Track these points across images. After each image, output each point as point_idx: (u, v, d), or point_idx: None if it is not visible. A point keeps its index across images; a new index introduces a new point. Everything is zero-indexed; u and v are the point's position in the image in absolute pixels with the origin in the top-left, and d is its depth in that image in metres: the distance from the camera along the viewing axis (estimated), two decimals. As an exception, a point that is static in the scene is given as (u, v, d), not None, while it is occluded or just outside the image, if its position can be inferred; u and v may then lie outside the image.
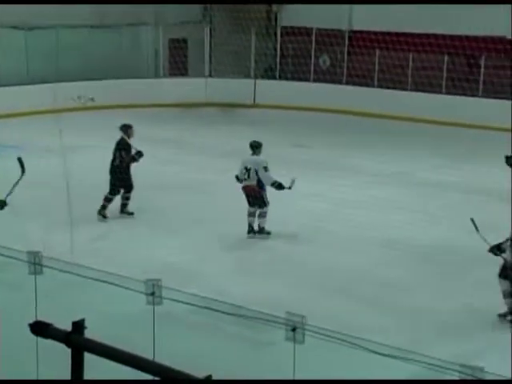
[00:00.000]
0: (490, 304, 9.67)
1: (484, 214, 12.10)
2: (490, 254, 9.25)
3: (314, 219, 13.25)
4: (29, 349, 6.14)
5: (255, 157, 12.33)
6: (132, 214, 13.22)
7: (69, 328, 2.94)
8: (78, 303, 8.66)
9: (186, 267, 10.72)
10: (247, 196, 12.38)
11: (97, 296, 8.60)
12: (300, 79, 24.87)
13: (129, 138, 13.54)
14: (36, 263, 6.67)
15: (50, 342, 3.03)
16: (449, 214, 13.49)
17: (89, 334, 2.97)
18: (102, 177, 13.42)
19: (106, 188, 13.27)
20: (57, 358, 3.61)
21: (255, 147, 12.36)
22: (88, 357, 2.95)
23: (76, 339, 2.89)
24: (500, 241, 9.30)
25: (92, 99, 15.56)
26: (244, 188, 12.38)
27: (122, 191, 13.27)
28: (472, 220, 9.43)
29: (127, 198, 13.29)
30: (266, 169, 12.17)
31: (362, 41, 24.13)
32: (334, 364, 7.69)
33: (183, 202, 14.19)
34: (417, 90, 23.33)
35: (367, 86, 23.95)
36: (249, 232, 12.26)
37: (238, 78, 24.96)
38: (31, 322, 3.04)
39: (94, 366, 3.30)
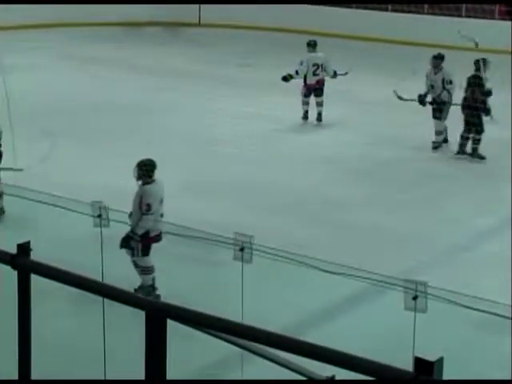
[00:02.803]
0: (434, 218, 9.88)
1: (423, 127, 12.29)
2: (433, 171, 9.84)
3: (259, 139, 13.25)
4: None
5: (320, 53, 14.44)
6: None
7: (14, 251, 2.91)
8: (24, 226, 8.61)
9: (133, 190, 10.67)
10: (315, 89, 14.21)
11: (44, 219, 8.55)
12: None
13: None
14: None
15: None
16: (393, 133, 13.58)
17: (36, 256, 2.95)
18: (44, 97, 13.18)
19: (49, 109, 13.03)
20: (3, 282, 3.59)
21: (314, 45, 14.50)
22: (36, 280, 2.94)
23: (22, 261, 2.86)
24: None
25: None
26: (317, 82, 14.22)
27: None
28: (395, 92, 12.86)
29: None
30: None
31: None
32: (281, 282, 7.82)
33: (124, 122, 14.04)
34: (365, 8, 23.22)
35: (315, 3, 23.67)
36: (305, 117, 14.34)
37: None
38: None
39: (42, 290, 3.30)
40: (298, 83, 14.44)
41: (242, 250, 5.48)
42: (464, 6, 22.10)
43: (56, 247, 7.93)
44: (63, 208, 6.47)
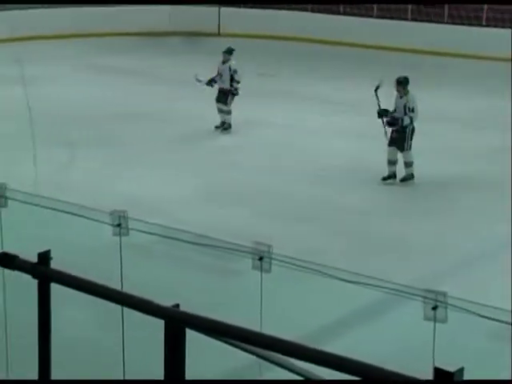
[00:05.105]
0: (452, 227, 9.83)
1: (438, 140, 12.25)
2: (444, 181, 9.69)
3: (276, 148, 13.26)
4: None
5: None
6: None
7: (35, 260, 2.93)
8: (44, 235, 8.63)
9: (151, 198, 10.71)
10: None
11: (63, 228, 8.57)
12: (265, 7, 24.58)
13: None
14: (0, 195, 6.62)
15: (16, 274, 3.03)
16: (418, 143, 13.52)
17: (55, 265, 2.96)
18: (64, 107, 13.27)
19: (71, 118, 13.13)
20: (23, 291, 3.61)
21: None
22: (55, 289, 2.95)
23: (42, 270, 2.88)
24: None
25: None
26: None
27: None
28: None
29: None
30: None
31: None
32: (299, 291, 7.80)
33: (144, 131, 14.11)
34: (383, 17, 23.22)
35: (333, 13, 23.74)
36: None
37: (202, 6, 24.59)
38: (-4, 254, 3.03)
39: (62, 298, 3.32)
40: (319, 92, 14.43)
41: (260, 259, 5.47)
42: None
43: (75, 256, 7.95)
44: (82, 217, 6.49)
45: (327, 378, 2.76)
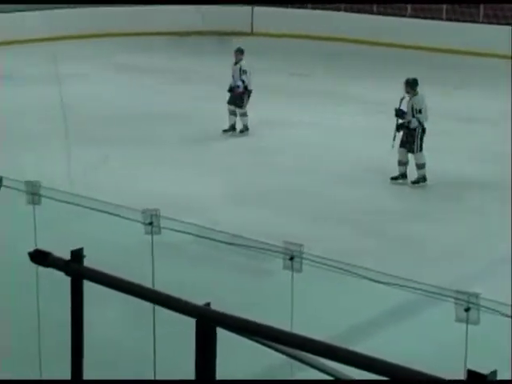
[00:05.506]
0: (483, 232, 9.75)
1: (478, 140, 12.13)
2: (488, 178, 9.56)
3: (310, 149, 13.24)
4: (28, 278, 6.21)
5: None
6: None
7: (68, 258, 2.95)
8: (77, 233, 8.71)
9: (184, 197, 10.74)
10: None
11: (95, 226, 8.63)
12: (299, 6, 24.55)
13: None
14: (34, 193, 6.68)
15: (49, 271, 3.06)
16: (446, 143, 13.45)
17: (88, 263, 2.99)
18: (96, 106, 13.36)
19: (101, 117, 13.22)
20: (56, 288, 3.65)
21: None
22: (86, 286, 2.97)
23: (75, 267, 2.90)
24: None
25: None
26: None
27: None
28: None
29: None
30: None
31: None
32: (331, 291, 7.78)
33: (176, 131, 14.16)
34: (416, 16, 23.07)
35: (366, 12, 23.66)
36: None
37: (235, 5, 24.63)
38: (31, 250, 3.06)
39: (93, 295, 3.34)
40: (353, 92, 14.35)
41: (291, 258, 5.46)
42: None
43: (107, 254, 8.01)
44: (115, 215, 6.52)
45: (357, 378, 2.76)
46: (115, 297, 3.11)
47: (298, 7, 24.36)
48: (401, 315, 7.66)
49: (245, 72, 14.13)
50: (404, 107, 11.72)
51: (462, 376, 2.18)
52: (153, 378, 5.45)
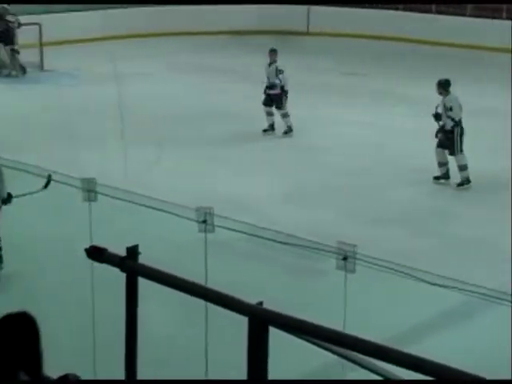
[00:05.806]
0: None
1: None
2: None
3: (365, 149, 13.16)
4: (84, 273, 6.30)
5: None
6: None
7: (123, 254, 2.98)
8: (132, 230, 8.80)
9: (238, 196, 10.78)
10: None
11: (150, 223, 8.72)
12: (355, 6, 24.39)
13: None
14: (91, 190, 6.78)
15: (104, 267, 3.09)
16: (500, 144, 13.23)
17: (142, 259, 3.02)
18: (154, 105, 13.47)
19: (160, 116, 13.29)
20: (111, 284, 3.69)
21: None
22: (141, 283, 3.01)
23: (130, 264, 2.94)
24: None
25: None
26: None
27: None
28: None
29: None
30: None
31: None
32: (384, 293, 7.74)
33: (232, 130, 14.20)
34: (475, 15, 22.75)
35: (422, 11, 23.39)
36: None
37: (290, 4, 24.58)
38: (87, 246, 3.10)
39: (148, 292, 3.37)
40: (409, 93, 14.22)
41: (345, 259, 5.45)
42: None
43: (162, 251, 8.08)
44: (169, 213, 6.58)
45: (407, 378, 2.74)
46: (169, 294, 3.13)
47: (354, 6, 24.21)
48: (456, 318, 7.58)
49: (281, 72, 13.92)
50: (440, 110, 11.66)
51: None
52: (204, 377, 5.48)
